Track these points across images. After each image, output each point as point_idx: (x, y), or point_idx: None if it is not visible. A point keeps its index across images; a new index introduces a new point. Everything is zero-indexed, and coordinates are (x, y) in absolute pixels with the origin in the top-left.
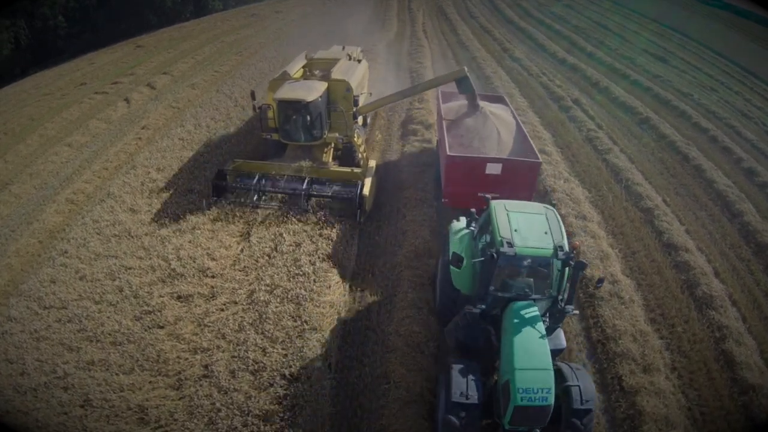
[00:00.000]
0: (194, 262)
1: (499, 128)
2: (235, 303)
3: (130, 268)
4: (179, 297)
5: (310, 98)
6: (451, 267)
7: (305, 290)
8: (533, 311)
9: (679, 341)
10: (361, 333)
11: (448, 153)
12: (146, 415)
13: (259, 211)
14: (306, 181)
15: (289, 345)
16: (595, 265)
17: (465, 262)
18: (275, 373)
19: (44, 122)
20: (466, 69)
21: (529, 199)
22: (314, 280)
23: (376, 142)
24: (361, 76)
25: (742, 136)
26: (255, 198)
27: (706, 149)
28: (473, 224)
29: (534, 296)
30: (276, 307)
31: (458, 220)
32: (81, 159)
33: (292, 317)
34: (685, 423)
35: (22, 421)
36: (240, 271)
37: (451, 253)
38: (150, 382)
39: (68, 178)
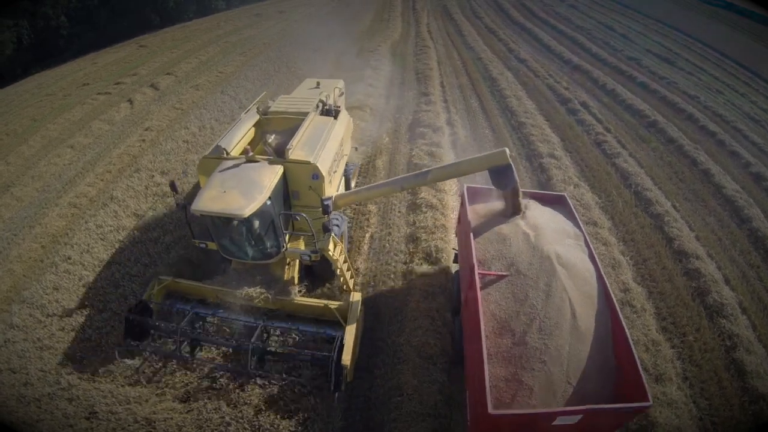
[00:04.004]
0: None
1: (573, 302)
2: None
3: (134, 276)
4: None
5: (247, 210)
6: None
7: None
8: None
9: (690, 350)
10: (371, 344)
11: (491, 411)
12: (154, 428)
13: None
14: (257, 330)
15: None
16: (608, 273)
17: None
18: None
19: (46, 123)
20: (508, 152)
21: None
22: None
23: (384, 145)
24: (338, 144)
25: (749, 140)
26: (183, 349)
27: (714, 153)
28: None
29: None
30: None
31: None
32: (84, 161)
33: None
34: None
35: None
36: None
37: None
38: (157, 394)
39: (71, 180)
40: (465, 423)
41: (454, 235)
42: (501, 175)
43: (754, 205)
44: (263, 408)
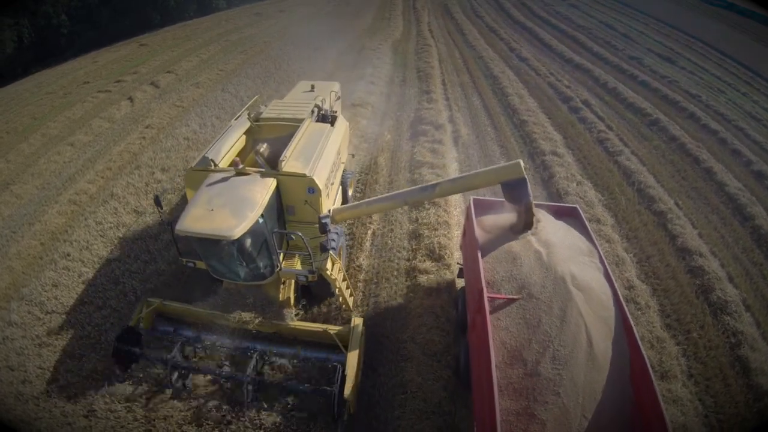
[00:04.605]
0: None
1: (589, 328)
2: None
3: (134, 272)
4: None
5: (237, 231)
6: None
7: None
8: None
9: (695, 347)
10: (375, 341)
11: None
12: (153, 426)
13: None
14: (252, 361)
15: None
16: (612, 270)
17: None
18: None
19: (47, 121)
20: (522, 164)
21: None
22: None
23: (385, 143)
24: (335, 153)
25: (751, 138)
26: (175, 379)
27: (716, 151)
28: None
29: None
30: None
31: None
32: (84, 158)
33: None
34: (703, 431)
35: (24, 430)
36: None
37: None
38: (156, 391)
39: (71, 178)
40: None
41: (459, 250)
42: (514, 189)
43: (756, 203)
44: (265, 406)
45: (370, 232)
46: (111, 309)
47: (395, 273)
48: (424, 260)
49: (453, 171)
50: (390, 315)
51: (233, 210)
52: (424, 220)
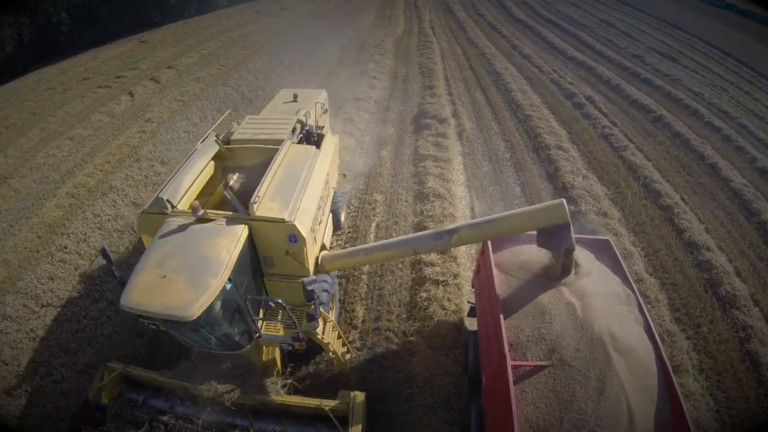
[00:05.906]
0: None
1: (630, 400)
2: None
3: (132, 265)
4: None
5: (196, 309)
6: None
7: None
8: None
9: (705, 342)
10: (380, 334)
11: None
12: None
13: None
14: None
15: None
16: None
17: None
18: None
19: (46, 116)
20: (565, 204)
21: None
22: None
23: (389, 137)
24: (323, 183)
25: (755, 136)
26: None
27: (720, 148)
28: None
29: None
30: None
31: None
32: (83, 152)
33: None
34: (714, 426)
35: (16, 425)
36: None
37: None
38: None
39: (69, 171)
40: None
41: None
42: (554, 235)
43: (761, 198)
44: None
45: (374, 224)
46: (107, 302)
47: (400, 265)
48: (430, 252)
49: (458, 164)
50: (395, 308)
51: (191, 276)
52: (429, 213)
